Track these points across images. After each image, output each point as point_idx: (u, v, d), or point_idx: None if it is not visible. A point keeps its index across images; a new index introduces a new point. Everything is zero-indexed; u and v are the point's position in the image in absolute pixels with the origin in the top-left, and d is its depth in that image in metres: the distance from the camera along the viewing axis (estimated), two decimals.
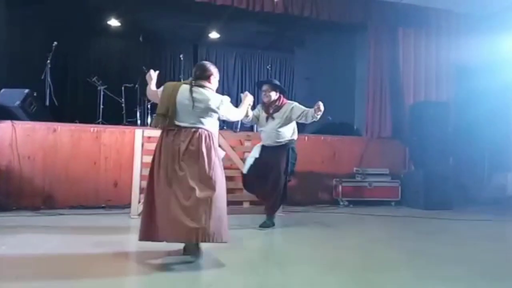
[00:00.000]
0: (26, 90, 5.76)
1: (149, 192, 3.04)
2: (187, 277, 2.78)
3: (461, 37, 7.57)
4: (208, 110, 3.07)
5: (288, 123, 4.49)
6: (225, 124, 9.19)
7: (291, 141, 4.54)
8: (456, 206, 6.32)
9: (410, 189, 6.65)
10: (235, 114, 3.40)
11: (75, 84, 9.26)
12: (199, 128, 3.03)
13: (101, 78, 8.04)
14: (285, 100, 4.57)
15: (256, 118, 4.62)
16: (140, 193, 5.10)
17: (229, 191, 5.61)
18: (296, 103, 4.57)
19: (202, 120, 3.06)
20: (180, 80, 8.92)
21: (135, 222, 4.80)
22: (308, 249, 3.64)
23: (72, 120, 6.44)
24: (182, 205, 2.87)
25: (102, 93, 7.85)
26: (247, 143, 5.85)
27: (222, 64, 11.08)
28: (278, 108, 4.50)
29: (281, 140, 4.47)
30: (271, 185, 4.41)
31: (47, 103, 6.85)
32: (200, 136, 3.01)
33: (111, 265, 3.02)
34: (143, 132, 5.33)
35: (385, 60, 7.39)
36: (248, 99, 3.75)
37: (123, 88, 8.14)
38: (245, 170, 4.60)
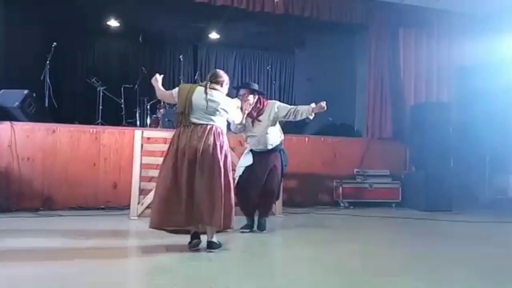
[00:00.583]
0: (26, 91, 5.75)
1: (164, 182, 3.33)
2: (187, 277, 2.76)
3: (462, 38, 7.54)
4: (220, 110, 3.46)
5: (275, 123, 4.35)
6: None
7: (281, 142, 4.44)
8: (456, 207, 6.30)
9: (410, 190, 6.63)
10: (238, 117, 3.85)
11: (74, 85, 9.23)
12: (213, 125, 3.42)
13: (100, 79, 8.03)
14: (265, 101, 4.40)
15: (243, 125, 4.31)
16: (140, 194, 5.08)
17: None
18: (278, 102, 4.45)
19: (214, 118, 3.44)
20: (180, 81, 8.98)
21: (135, 223, 4.82)
22: (308, 252, 3.62)
23: (71, 121, 6.42)
24: (199, 194, 3.26)
25: (101, 93, 7.83)
26: (246, 144, 5.82)
27: (222, 65, 11.03)
28: (261, 110, 4.31)
29: (272, 143, 4.33)
30: (269, 190, 4.31)
31: (47, 104, 6.86)
32: (214, 131, 3.39)
33: (112, 266, 3.00)
34: (142, 133, 5.31)
35: (385, 60, 7.38)
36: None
37: (122, 88, 8.13)
38: (237, 177, 4.26)
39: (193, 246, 3.38)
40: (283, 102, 4.52)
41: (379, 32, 7.40)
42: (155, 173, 5.26)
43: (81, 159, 5.68)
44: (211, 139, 3.34)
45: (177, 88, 3.62)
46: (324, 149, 6.77)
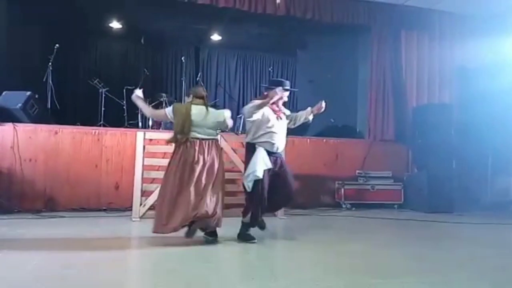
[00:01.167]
0: (28, 93, 5.76)
1: (171, 191, 3.68)
2: (188, 278, 2.76)
3: (464, 39, 7.54)
4: (219, 124, 3.91)
5: None
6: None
7: None
8: (459, 209, 6.29)
9: (413, 192, 6.61)
10: (230, 123, 4.07)
11: (76, 86, 9.26)
12: (214, 138, 3.89)
13: (102, 80, 8.05)
14: None
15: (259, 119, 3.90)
16: (142, 195, 5.09)
17: (231, 193, 5.67)
18: None
19: (213, 132, 3.90)
20: (182, 83, 9.00)
21: (137, 224, 4.82)
22: (310, 253, 3.61)
23: (73, 123, 6.44)
24: (205, 196, 3.68)
25: (103, 95, 7.84)
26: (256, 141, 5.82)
27: (224, 66, 11.07)
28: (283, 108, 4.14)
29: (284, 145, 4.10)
30: (292, 191, 4.16)
31: (49, 105, 6.87)
32: (215, 145, 3.89)
33: (113, 267, 3.00)
34: (144, 134, 5.31)
35: (388, 62, 7.37)
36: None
37: (124, 90, 8.13)
38: (254, 181, 3.84)
39: (190, 234, 3.68)
40: (284, 103, 4.38)
41: (381, 34, 7.40)
42: (157, 174, 5.29)
43: (83, 160, 5.69)
44: (214, 152, 3.82)
45: (171, 108, 3.88)
46: (326, 151, 6.76)
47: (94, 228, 4.51)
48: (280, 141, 3.99)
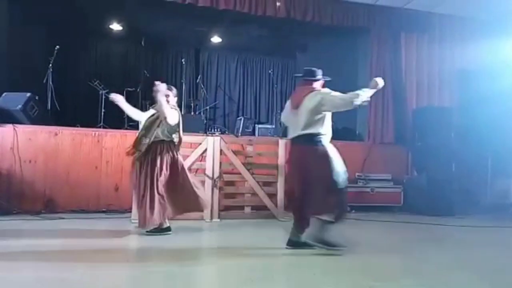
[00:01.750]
0: (28, 94, 5.76)
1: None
2: (189, 281, 2.75)
3: (464, 42, 7.55)
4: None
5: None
6: (227, 129, 9.23)
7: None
8: (458, 212, 6.28)
9: (412, 194, 6.61)
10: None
11: (76, 88, 9.26)
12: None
13: (102, 82, 8.05)
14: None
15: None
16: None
17: (230, 195, 5.68)
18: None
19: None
20: (182, 85, 9.00)
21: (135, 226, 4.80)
22: (309, 256, 3.60)
23: (73, 124, 6.43)
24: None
25: (103, 97, 7.84)
26: (249, 148, 5.84)
27: (224, 69, 11.08)
28: None
29: None
30: None
31: (49, 107, 6.87)
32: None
33: (112, 269, 3.00)
34: None
35: (387, 65, 7.38)
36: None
37: (124, 92, 8.12)
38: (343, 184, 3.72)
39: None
40: (284, 106, 4.33)
41: (380, 36, 7.41)
42: None
43: (83, 162, 5.69)
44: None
45: (177, 112, 4.35)
46: None
47: (94, 230, 4.51)
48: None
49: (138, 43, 9.44)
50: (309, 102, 3.77)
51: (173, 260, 3.28)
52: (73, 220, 5.03)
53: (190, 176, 4.41)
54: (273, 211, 5.59)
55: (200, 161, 5.46)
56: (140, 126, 4.55)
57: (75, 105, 9.26)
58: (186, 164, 5.32)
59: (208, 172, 5.39)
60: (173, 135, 4.36)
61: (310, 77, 4.00)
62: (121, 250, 3.70)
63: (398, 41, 7.48)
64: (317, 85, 3.94)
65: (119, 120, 7.89)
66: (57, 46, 6.95)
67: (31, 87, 6.11)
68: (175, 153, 4.32)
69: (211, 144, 5.45)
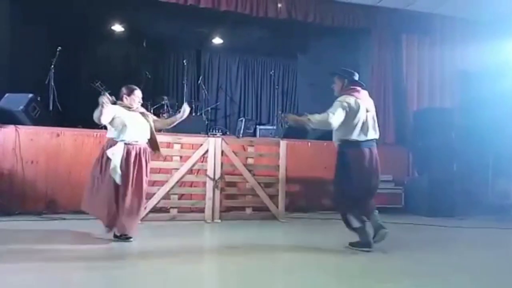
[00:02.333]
0: (30, 95, 5.78)
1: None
2: (190, 283, 2.76)
3: (465, 43, 7.55)
4: None
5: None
6: (228, 130, 9.24)
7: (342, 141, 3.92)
8: (460, 213, 6.28)
9: (413, 195, 6.61)
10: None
11: (78, 89, 9.28)
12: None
13: (104, 83, 8.06)
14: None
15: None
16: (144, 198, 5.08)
17: (231, 196, 5.68)
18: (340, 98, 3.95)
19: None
20: (184, 86, 9.02)
21: (138, 227, 4.81)
22: (309, 257, 3.61)
23: (75, 125, 6.44)
24: None
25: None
26: (250, 149, 5.85)
27: (225, 70, 11.09)
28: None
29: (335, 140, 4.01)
30: None
31: (51, 107, 6.89)
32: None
33: (114, 269, 3.01)
34: None
35: (388, 66, 7.39)
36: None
37: None
38: None
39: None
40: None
41: (381, 38, 7.41)
42: (158, 177, 5.31)
43: (84, 162, 5.68)
44: None
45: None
46: (327, 154, 6.71)
47: (95, 231, 4.51)
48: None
49: (140, 44, 9.47)
50: (373, 108, 3.99)
51: (174, 261, 3.29)
52: (75, 220, 5.03)
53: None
54: (274, 212, 5.60)
55: (202, 162, 5.47)
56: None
57: (77, 106, 9.26)
58: (188, 165, 5.36)
59: (210, 173, 5.40)
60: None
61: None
62: (121, 250, 3.70)
63: (399, 42, 7.49)
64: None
65: None
66: (59, 47, 6.97)
67: (33, 88, 6.12)
68: None
69: (213, 145, 5.46)
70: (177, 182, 5.33)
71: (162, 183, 5.27)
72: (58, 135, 5.67)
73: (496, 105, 6.98)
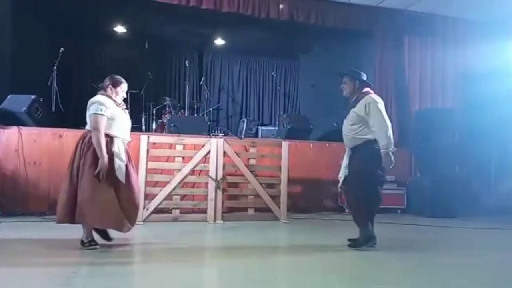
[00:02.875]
0: (33, 96, 5.80)
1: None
2: (190, 284, 2.76)
3: (467, 44, 7.55)
4: None
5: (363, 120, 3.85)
6: (230, 130, 9.25)
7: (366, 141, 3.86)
8: (462, 214, 6.27)
9: (416, 196, 6.60)
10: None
11: (81, 90, 9.30)
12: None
13: None
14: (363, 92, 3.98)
15: None
16: (145, 199, 5.10)
17: (233, 197, 5.69)
18: (373, 99, 3.93)
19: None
20: (186, 87, 9.02)
21: (140, 228, 4.82)
22: (311, 258, 3.61)
23: (77, 126, 6.46)
24: None
25: None
26: (252, 150, 5.85)
27: (227, 71, 11.12)
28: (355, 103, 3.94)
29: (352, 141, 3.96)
30: (347, 200, 4.34)
31: (53, 109, 6.91)
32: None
33: (115, 272, 3.01)
34: (148, 138, 5.34)
35: (390, 66, 7.39)
36: None
37: (128, 94, 8.16)
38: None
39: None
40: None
41: (384, 39, 7.41)
42: (160, 178, 5.32)
43: None
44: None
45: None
46: (329, 155, 6.75)
47: (97, 230, 4.51)
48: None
49: (142, 45, 9.49)
50: None
51: (176, 262, 3.29)
52: None
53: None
54: (276, 213, 5.60)
55: (204, 162, 5.47)
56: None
57: (80, 107, 9.23)
58: (190, 166, 5.37)
59: (212, 173, 5.40)
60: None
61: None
62: (121, 250, 3.71)
63: (401, 43, 7.50)
64: None
65: None
66: (62, 49, 6.99)
67: (36, 89, 6.14)
68: None
69: (215, 146, 5.47)
70: (179, 183, 5.33)
71: (164, 184, 5.28)
72: (60, 136, 5.69)
73: (498, 106, 6.97)
